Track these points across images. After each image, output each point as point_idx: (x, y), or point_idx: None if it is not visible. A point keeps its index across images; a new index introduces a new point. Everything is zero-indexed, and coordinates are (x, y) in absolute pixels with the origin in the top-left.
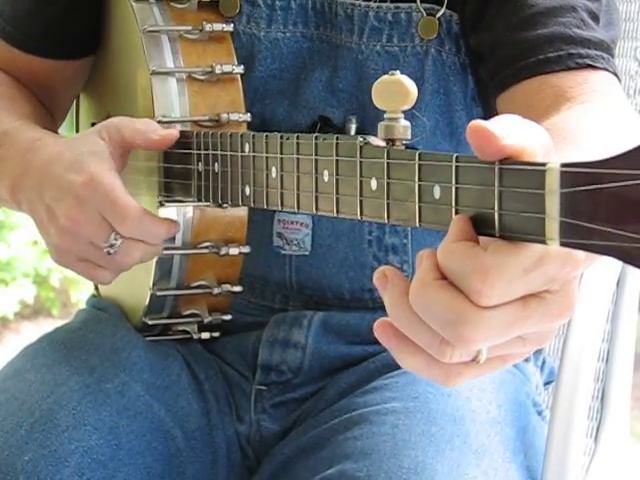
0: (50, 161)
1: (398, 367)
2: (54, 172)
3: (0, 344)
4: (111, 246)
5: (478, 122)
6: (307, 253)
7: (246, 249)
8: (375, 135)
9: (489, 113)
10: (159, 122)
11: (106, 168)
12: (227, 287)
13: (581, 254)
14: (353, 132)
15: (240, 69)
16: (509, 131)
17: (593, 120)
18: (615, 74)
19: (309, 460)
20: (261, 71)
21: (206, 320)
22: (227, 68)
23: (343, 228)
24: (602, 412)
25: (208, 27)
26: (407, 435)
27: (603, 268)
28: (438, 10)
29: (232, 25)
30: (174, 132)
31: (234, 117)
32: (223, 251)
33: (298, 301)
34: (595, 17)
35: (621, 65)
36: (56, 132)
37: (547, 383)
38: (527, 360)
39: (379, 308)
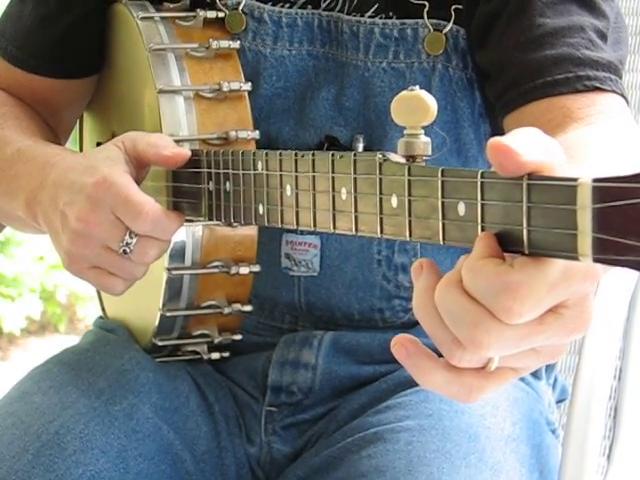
0: (67, 170)
1: (411, 386)
2: (69, 179)
3: (7, 360)
4: (127, 245)
5: (497, 139)
6: (316, 274)
7: (256, 268)
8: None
9: (497, 129)
10: None
11: (120, 170)
12: (237, 307)
13: (600, 268)
14: (360, 151)
15: (248, 86)
16: (529, 146)
17: (600, 140)
18: (623, 96)
19: None
20: (266, 89)
21: (216, 340)
22: (235, 85)
23: (352, 248)
24: (615, 430)
25: (215, 44)
26: (422, 452)
27: (616, 285)
28: (445, 25)
29: (239, 42)
30: (186, 152)
31: (242, 135)
32: (233, 270)
33: (307, 321)
34: (603, 36)
35: (631, 79)
36: None
37: (559, 401)
38: (539, 378)
39: (389, 328)
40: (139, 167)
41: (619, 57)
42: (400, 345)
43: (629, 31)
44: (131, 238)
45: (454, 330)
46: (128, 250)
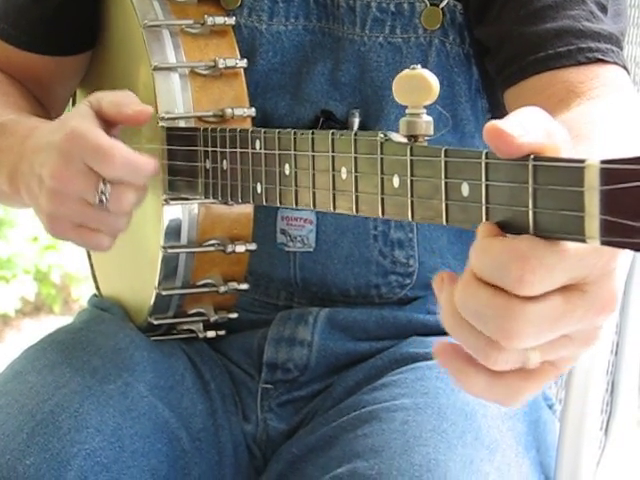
0: (41, 135)
1: (406, 363)
2: (43, 142)
3: (1, 341)
4: (102, 193)
5: (493, 123)
6: (311, 250)
7: (252, 246)
8: (379, 129)
9: (494, 105)
10: (162, 118)
11: (88, 122)
12: (233, 285)
13: None
14: (356, 126)
15: (243, 63)
16: (528, 127)
17: (604, 116)
18: (625, 67)
19: (318, 459)
20: (262, 65)
21: (212, 319)
22: (230, 62)
23: (348, 224)
24: (612, 405)
25: (210, 20)
26: (418, 432)
27: None
28: (442, 0)
29: (234, 18)
30: (148, 109)
31: (238, 112)
32: (229, 248)
33: (303, 298)
34: (603, 8)
35: (628, 52)
36: None
37: None
38: None
39: (385, 304)
40: (108, 126)
41: (620, 29)
42: (442, 350)
43: (628, 3)
44: (105, 186)
45: (483, 328)
46: (104, 199)
